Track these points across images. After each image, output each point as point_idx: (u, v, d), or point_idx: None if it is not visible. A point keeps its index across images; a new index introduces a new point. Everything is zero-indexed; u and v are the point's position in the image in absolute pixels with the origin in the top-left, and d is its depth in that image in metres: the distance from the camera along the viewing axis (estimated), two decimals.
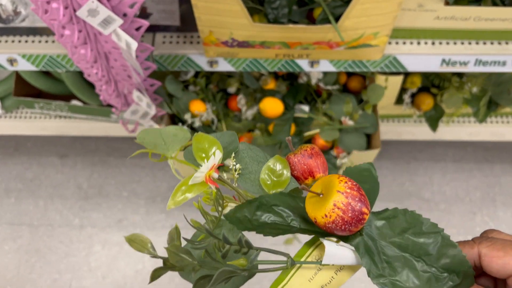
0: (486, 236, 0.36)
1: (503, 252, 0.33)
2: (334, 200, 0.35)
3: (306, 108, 1.08)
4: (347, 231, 0.36)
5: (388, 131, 1.29)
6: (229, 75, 1.11)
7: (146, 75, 0.95)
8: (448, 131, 1.28)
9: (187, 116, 1.00)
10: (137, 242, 0.37)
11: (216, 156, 0.40)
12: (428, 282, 0.34)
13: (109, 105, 1.20)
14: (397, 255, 0.36)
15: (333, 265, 0.36)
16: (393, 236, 0.37)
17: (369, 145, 1.08)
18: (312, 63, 0.96)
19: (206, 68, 0.98)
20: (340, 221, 0.35)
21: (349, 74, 1.15)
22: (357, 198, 0.35)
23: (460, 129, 1.27)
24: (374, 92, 1.02)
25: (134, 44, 0.80)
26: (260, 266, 0.39)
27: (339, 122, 1.07)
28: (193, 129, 1.04)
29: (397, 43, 0.95)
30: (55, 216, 1.46)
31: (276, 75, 1.11)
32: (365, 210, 0.35)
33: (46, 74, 1.26)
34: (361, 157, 1.06)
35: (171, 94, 1.04)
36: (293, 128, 1.06)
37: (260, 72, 1.08)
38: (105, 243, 1.42)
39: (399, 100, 1.23)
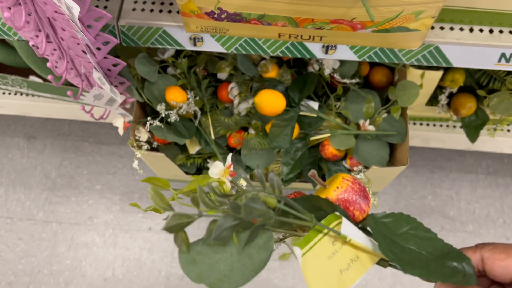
0: (489, 242, 0.36)
1: (505, 254, 0.33)
2: (343, 176, 0.42)
3: (315, 105, 0.85)
4: (358, 207, 0.40)
5: (413, 136, 1.06)
6: (220, 56, 0.87)
7: (105, 52, 0.72)
8: (488, 142, 1.04)
9: (160, 108, 0.78)
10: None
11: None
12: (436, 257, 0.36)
13: (73, 85, 0.98)
14: (404, 246, 0.37)
15: (350, 250, 0.36)
16: (396, 233, 0.38)
17: (391, 158, 0.85)
18: (326, 48, 0.73)
19: (188, 46, 0.74)
20: (351, 190, 0.41)
21: (372, 65, 0.91)
22: (359, 181, 0.43)
23: (504, 140, 1.03)
24: (406, 90, 0.78)
25: (75, 8, 0.57)
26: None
27: (356, 126, 0.84)
28: (168, 124, 0.81)
29: (442, 28, 0.71)
30: (15, 208, 1.26)
31: (280, 61, 0.87)
32: (367, 191, 0.42)
33: (1, 41, 1.03)
34: (381, 174, 0.83)
35: (144, 78, 0.82)
36: (296, 130, 0.83)
37: (259, 55, 0.85)
38: (71, 243, 1.22)
39: (431, 100, 0.99)
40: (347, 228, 0.36)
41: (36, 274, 1.19)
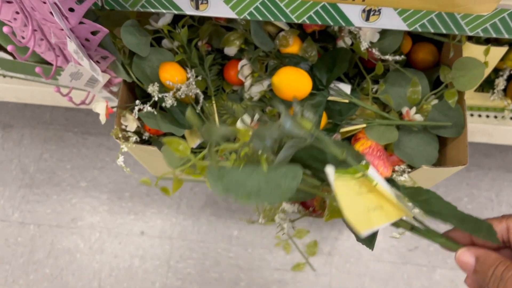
0: None
1: None
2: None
3: (347, 88, 0.68)
4: (382, 162, 0.53)
5: None
6: (228, 26, 0.70)
7: (80, 14, 0.55)
8: None
9: (153, 89, 0.61)
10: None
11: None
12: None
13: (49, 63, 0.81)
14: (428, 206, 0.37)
15: (375, 199, 0.34)
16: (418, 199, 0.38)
17: (439, 156, 0.68)
18: (368, 13, 0.56)
19: (189, 10, 0.58)
20: (374, 146, 0.57)
21: (415, 40, 0.74)
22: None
23: None
24: (466, 70, 0.61)
25: None
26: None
27: (398, 115, 0.67)
28: (162, 109, 0.64)
29: None
30: None
31: (302, 33, 0.70)
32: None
33: None
34: (429, 176, 0.67)
35: (133, 52, 0.65)
36: (323, 120, 0.67)
37: (277, 24, 0.68)
38: (51, 249, 1.05)
39: (481, 85, 0.83)
40: (374, 174, 0.35)
41: (11, 285, 1.03)
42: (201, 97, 0.66)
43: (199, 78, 0.66)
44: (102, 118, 0.61)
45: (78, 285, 1.02)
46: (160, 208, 1.07)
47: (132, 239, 1.05)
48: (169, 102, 0.61)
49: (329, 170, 0.34)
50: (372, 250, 0.38)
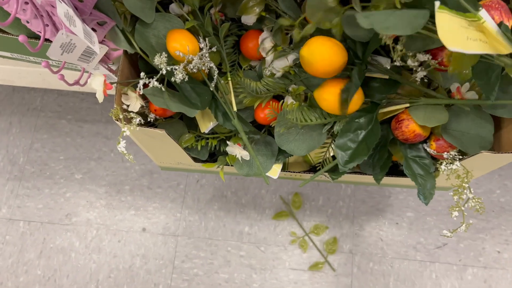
0: None
1: None
2: None
3: (386, 62, 0.59)
4: (498, 12, 0.46)
5: None
6: None
7: None
8: None
9: (160, 60, 0.51)
10: None
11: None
12: None
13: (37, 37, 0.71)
14: None
15: (481, 35, 0.37)
16: None
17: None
18: None
19: None
20: None
21: None
22: None
23: None
24: None
25: None
26: None
27: (446, 92, 0.57)
28: (170, 87, 0.54)
29: None
30: None
31: None
32: None
33: None
34: (483, 163, 0.57)
35: (135, 17, 0.55)
36: (360, 99, 0.57)
37: None
38: (43, 248, 0.95)
39: None
40: (485, 14, 0.37)
41: None
42: (216, 72, 0.56)
43: (214, 49, 0.56)
44: (99, 95, 0.51)
45: None
46: (164, 202, 0.98)
47: (132, 236, 0.96)
48: (179, 76, 0.51)
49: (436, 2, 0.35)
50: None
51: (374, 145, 0.56)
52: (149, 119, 0.56)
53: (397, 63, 0.51)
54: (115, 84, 0.55)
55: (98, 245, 0.95)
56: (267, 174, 0.66)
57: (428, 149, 0.60)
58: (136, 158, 1.00)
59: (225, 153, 0.71)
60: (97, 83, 0.51)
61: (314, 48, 0.53)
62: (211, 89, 0.57)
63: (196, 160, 0.68)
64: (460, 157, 0.57)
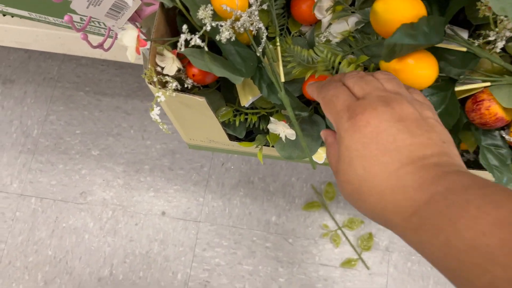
0: None
1: None
2: None
3: (464, 33, 0.50)
4: None
5: None
6: None
7: None
8: None
9: (204, 13, 0.42)
10: None
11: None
12: None
13: None
14: None
15: None
16: None
17: None
18: None
19: None
20: None
21: None
22: None
23: None
24: None
25: None
26: None
27: None
28: (212, 48, 0.46)
29: None
30: None
31: None
32: None
33: None
34: None
35: None
36: (432, 71, 0.48)
37: None
38: (55, 227, 0.89)
39: None
40: None
41: (5, 267, 0.87)
42: (264, 34, 0.48)
43: (264, 6, 0.48)
44: (131, 53, 0.43)
45: (85, 272, 0.86)
46: (186, 185, 0.90)
47: (151, 220, 0.89)
48: (225, 34, 0.43)
49: None
50: None
51: (450, 127, 0.48)
52: (186, 85, 0.48)
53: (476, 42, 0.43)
54: (149, 44, 0.47)
55: (114, 227, 0.88)
56: (314, 159, 0.58)
57: (506, 137, 0.51)
58: (157, 136, 0.93)
59: (264, 132, 0.63)
60: (129, 38, 0.43)
61: (391, 3, 0.44)
62: (258, 54, 0.49)
63: (230, 137, 0.60)
64: None
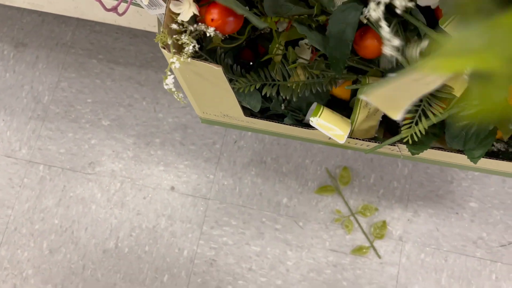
0: None
1: None
2: None
3: None
4: None
5: None
6: None
7: None
8: None
9: None
10: None
11: None
12: None
13: None
14: None
15: None
16: None
17: None
18: None
19: None
20: None
21: None
22: None
23: None
24: None
25: None
26: None
27: None
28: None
29: None
30: None
31: None
32: None
33: None
34: None
35: None
36: None
37: None
38: (63, 196, 0.88)
39: None
40: None
41: (11, 233, 0.86)
42: None
43: None
44: None
45: (91, 243, 0.85)
46: (197, 161, 0.88)
47: (159, 194, 0.87)
48: None
49: None
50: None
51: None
52: (208, 34, 0.44)
53: None
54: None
55: (121, 200, 0.87)
56: (332, 136, 0.55)
57: None
58: (169, 109, 0.90)
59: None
60: None
61: None
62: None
63: (245, 113, 0.57)
64: None
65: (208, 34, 0.43)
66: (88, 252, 0.85)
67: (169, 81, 0.39)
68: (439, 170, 0.86)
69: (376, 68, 0.57)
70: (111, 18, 0.75)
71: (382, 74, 0.58)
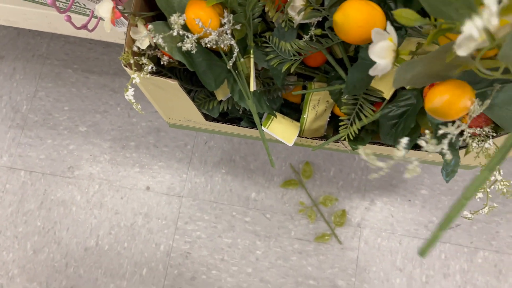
0: None
1: None
2: None
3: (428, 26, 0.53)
4: None
5: None
6: None
7: None
8: None
9: (175, 20, 0.45)
10: None
11: None
12: None
13: None
14: None
15: None
16: None
17: None
18: None
19: None
20: None
21: None
22: None
23: None
24: None
25: None
26: None
27: None
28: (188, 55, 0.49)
29: None
30: None
31: None
32: None
33: None
34: None
35: None
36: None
37: None
38: (44, 199, 0.93)
39: None
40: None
41: None
42: (236, 50, 0.51)
43: (237, 27, 0.50)
44: (107, 25, 0.46)
45: (72, 242, 0.91)
46: (170, 162, 0.94)
47: (136, 194, 0.93)
48: (187, 46, 0.45)
49: None
50: None
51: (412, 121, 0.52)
52: (162, 62, 0.51)
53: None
54: (128, 16, 0.50)
55: (100, 201, 0.93)
56: (282, 140, 0.62)
57: (458, 122, 0.55)
58: (143, 114, 0.96)
59: (238, 119, 0.66)
60: (105, 9, 0.46)
61: (350, 13, 0.47)
62: (228, 67, 0.52)
63: (207, 118, 0.64)
64: (494, 134, 0.52)
65: (162, 63, 0.50)
66: (70, 250, 0.90)
67: (129, 93, 0.46)
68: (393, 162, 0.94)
69: (322, 75, 0.65)
70: (83, 33, 0.81)
71: (327, 79, 0.65)
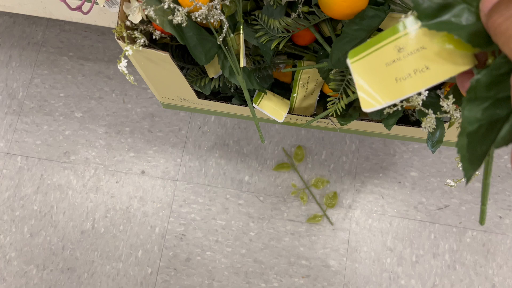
0: None
1: None
2: None
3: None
4: None
5: None
6: None
7: None
8: None
9: None
10: None
11: None
12: None
13: None
14: None
15: (418, 60, 0.25)
16: None
17: None
18: None
19: None
20: None
21: None
22: None
23: None
24: None
25: None
26: None
27: None
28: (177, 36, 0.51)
29: None
30: None
31: None
32: None
33: None
34: None
35: None
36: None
37: None
38: (41, 184, 0.94)
39: None
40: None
41: None
42: (226, 25, 0.53)
43: (227, 2, 0.52)
44: None
45: (69, 225, 0.92)
46: (164, 146, 0.96)
47: (131, 178, 0.95)
48: (178, 19, 0.47)
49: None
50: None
51: None
52: (154, 37, 0.53)
53: None
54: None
55: (96, 185, 0.94)
56: (272, 117, 0.64)
57: (442, 96, 0.57)
58: (137, 100, 0.98)
59: (229, 97, 0.68)
60: None
61: None
62: (219, 42, 0.53)
63: (199, 96, 0.65)
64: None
65: (154, 37, 0.51)
66: (66, 233, 0.92)
67: (122, 65, 0.47)
68: (383, 145, 0.96)
69: (311, 54, 0.67)
70: (77, 17, 0.83)
71: (317, 58, 0.67)
